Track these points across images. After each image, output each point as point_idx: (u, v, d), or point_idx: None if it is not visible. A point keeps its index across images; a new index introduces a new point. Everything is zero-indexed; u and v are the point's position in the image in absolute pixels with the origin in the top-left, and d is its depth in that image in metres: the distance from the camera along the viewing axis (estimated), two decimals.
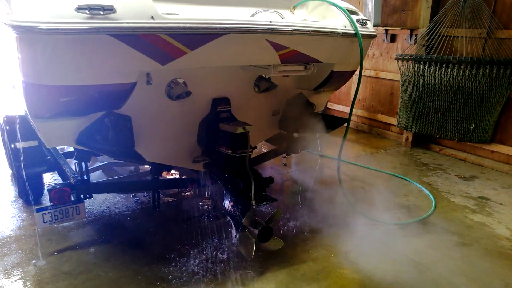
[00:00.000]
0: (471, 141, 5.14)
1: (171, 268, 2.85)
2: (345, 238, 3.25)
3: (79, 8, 1.93)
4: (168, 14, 2.24)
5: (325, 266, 2.91)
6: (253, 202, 2.69)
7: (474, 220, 3.69)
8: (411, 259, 3.02)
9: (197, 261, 2.93)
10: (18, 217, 3.60)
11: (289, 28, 2.58)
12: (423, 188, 4.36)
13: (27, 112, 2.39)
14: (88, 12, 1.94)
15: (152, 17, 2.09)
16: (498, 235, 3.43)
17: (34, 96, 2.18)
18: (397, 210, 3.83)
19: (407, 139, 5.90)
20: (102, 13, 1.96)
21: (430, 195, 4.18)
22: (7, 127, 3.60)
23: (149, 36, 2.11)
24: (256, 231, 2.66)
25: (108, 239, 3.25)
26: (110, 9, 1.98)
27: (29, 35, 1.93)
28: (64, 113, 2.35)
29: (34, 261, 2.93)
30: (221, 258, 2.96)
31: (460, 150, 5.44)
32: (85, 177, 3.03)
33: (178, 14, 2.30)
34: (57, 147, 3.77)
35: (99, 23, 1.96)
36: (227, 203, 2.87)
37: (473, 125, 5.01)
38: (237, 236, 2.71)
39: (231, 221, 2.88)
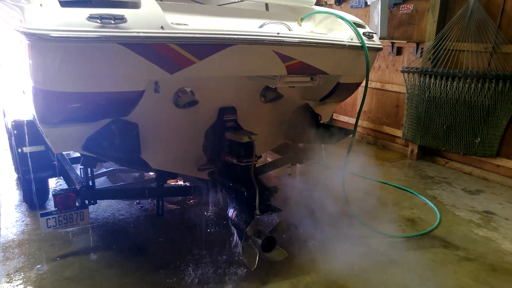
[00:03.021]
0: (477, 155, 5.12)
1: (174, 276, 2.85)
2: (349, 250, 3.24)
3: (91, 17, 1.96)
4: (177, 24, 2.27)
5: (328, 277, 2.89)
6: (257, 211, 2.68)
7: (480, 235, 3.66)
8: (416, 273, 2.99)
9: (200, 269, 2.92)
10: (22, 221, 3.62)
11: (296, 40, 2.60)
12: (428, 201, 4.33)
13: (36, 118, 2.41)
14: (99, 21, 1.97)
15: (162, 27, 2.12)
16: (503, 250, 3.39)
17: (44, 102, 2.20)
18: (402, 223, 3.81)
19: (412, 151, 5.89)
20: (113, 22, 1.99)
21: (435, 208, 4.15)
22: (15, 132, 3.63)
23: (158, 45, 2.14)
24: (260, 241, 2.65)
25: (111, 246, 3.26)
26: (121, 19, 2.01)
27: (41, 42, 1.96)
28: (72, 119, 2.37)
29: (36, 266, 2.94)
30: (224, 267, 2.95)
31: (465, 164, 5.42)
32: (91, 183, 3.05)
33: (187, 25, 2.33)
34: (63, 152, 3.79)
35: (109, 32, 1.99)
36: (231, 212, 2.87)
37: (479, 138, 5.00)
38: (241, 245, 2.71)
39: (234, 230, 2.87)
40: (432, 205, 4.24)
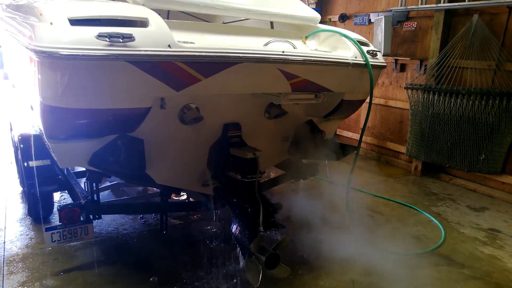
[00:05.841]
0: (481, 172, 5.09)
1: None
2: (353, 267, 3.21)
3: (100, 36, 2.00)
4: (184, 42, 2.31)
5: None
6: (261, 228, 2.68)
7: (485, 253, 3.62)
8: None
9: (202, 286, 2.90)
10: (26, 235, 3.62)
11: (301, 58, 2.64)
12: (432, 218, 4.30)
13: (43, 133, 2.44)
14: (108, 40, 2.01)
15: (169, 46, 2.16)
16: (510, 269, 3.35)
17: (52, 118, 2.23)
18: (406, 240, 3.77)
19: (416, 167, 5.87)
20: (121, 40, 2.03)
21: (439, 225, 4.12)
22: (21, 145, 3.66)
23: (165, 63, 2.18)
24: (263, 258, 2.64)
25: (114, 261, 3.25)
26: (129, 37, 2.05)
27: (50, 60, 2.00)
28: (79, 135, 2.40)
29: (40, 281, 2.93)
30: (227, 284, 2.93)
31: (470, 181, 5.39)
32: (95, 198, 3.06)
33: (194, 43, 2.38)
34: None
35: (118, 50, 2.02)
36: (235, 228, 2.86)
37: (483, 155, 4.98)
38: (244, 262, 2.70)
39: (238, 246, 2.86)
40: (436, 222, 4.21)
